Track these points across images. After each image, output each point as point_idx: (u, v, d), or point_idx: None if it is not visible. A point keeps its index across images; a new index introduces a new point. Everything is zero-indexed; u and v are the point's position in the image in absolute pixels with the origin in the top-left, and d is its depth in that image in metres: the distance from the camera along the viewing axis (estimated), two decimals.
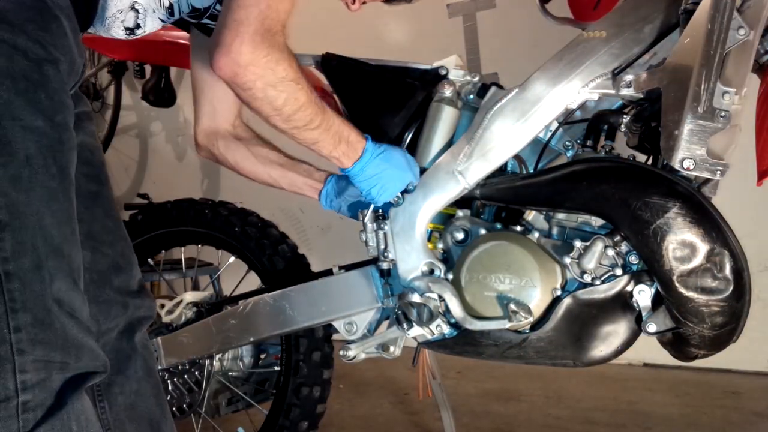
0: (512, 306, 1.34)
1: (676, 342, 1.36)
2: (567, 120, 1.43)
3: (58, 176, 0.98)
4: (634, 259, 1.32)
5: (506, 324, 1.36)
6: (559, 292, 1.36)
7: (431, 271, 1.46)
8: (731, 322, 1.24)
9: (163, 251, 1.99)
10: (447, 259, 1.48)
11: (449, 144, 1.48)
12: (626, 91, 1.32)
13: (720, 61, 1.17)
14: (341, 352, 1.53)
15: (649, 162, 1.42)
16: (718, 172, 1.20)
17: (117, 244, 1.27)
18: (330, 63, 1.60)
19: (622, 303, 1.34)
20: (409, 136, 1.54)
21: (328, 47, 1.64)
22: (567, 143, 1.48)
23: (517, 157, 1.48)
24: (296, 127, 1.26)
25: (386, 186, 1.41)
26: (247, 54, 1.11)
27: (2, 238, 0.93)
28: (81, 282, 1.03)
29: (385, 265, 1.48)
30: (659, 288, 1.28)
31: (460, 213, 1.48)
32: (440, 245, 1.49)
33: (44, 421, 0.94)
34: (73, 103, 1.10)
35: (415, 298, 1.40)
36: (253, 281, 1.83)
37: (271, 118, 1.23)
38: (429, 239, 1.49)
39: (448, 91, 1.48)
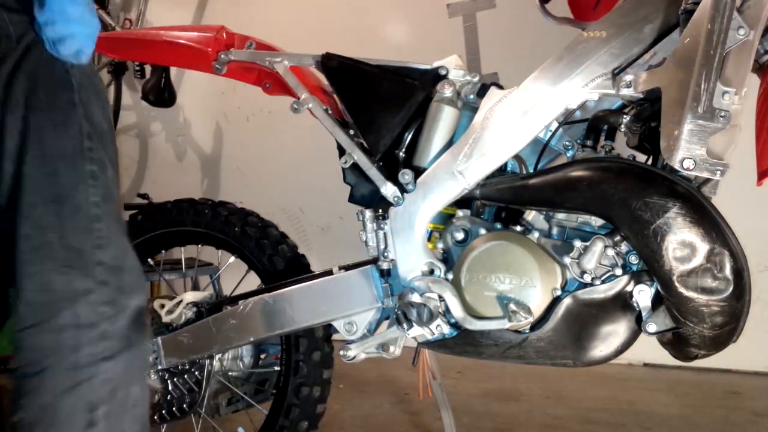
0: (512, 306, 1.34)
1: (676, 342, 1.36)
2: (567, 120, 1.44)
3: (113, 150, 1.17)
4: (634, 259, 1.32)
5: (506, 324, 1.36)
6: (559, 292, 1.36)
7: (431, 271, 1.46)
8: (731, 322, 1.24)
9: (163, 251, 1.98)
10: (447, 259, 1.48)
11: (449, 144, 1.48)
12: (626, 91, 1.32)
13: (720, 61, 1.17)
14: (341, 352, 1.53)
15: (649, 162, 1.42)
16: (718, 172, 1.20)
17: None
18: (330, 63, 1.60)
19: (622, 303, 1.34)
20: (409, 136, 1.54)
21: (329, 47, 1.64)
22: (567, 143, 1.48)
23: (517, 157, 1.48)
24: None
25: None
26: None
27: (95, 185, 1.11)
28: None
29: (385, 265, 1.48)
30: (659, 288, 1.28)
31: (460, 213, 1.48)
32: (440, 245, 1.49)
33: (120, 352, 1.10)
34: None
35: (415, 298, 1.40)
36: (253, 281, 1.83)
37: None
38: (429, 239, 1.49)
39: (448, 91, 1.49)
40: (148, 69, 3.54)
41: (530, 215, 1.44)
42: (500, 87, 1.46)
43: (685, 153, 1.19)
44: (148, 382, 1.21)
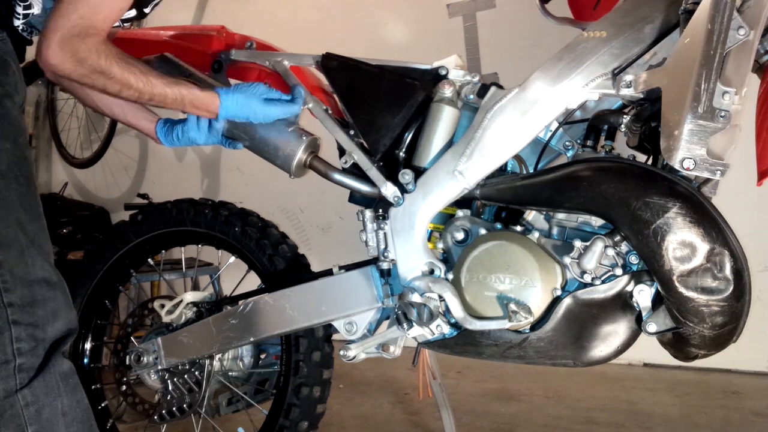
0: (512, 306, 1.34)
1: (676, 342, 1.36)
2: (567, 120, 1.44)
3: (25, 184, 1.25)
4: (634, 259, 1.32)
5: (506, 324, 1.36)
6: (559, 292, 1.36)
7: (431, 271, 1.46)
8: (731, 322, 1.24)
9: (163, 251, 1.98)
10: (447, 259, 1.48)
11: (449, 144, 1.48)
12: (626, 91, 1.32)
13: (720, 61, 1.17)
14: (341, 352, 1.53)
15: (649, 162, 1.42)
16: (718, 172, 1.20)
17: None
18: (330, 63, 1.60)
19: (622, 303, 1.34)
20: (409, 136, 1.54)
21: (329, 47, 1.64)
22: (567, 143, 1.48)
23: (517, 157, 1.48)
24: (133, 100, 1.42)
25: (257, 113, 1.50)
26: (54, 57, 1.28)
27: None
28: (52, 260, 1.29)
29: (385, 265, 1.48)
30: (659, 288, 1.28)
31: (460, 213, 1.48)
32: (440, 245, 1.49)
33: (35, 377, 1.22)
34: None
35: (416, 298, 1.40)
36: (253, 281, 1.83)
37: (106, 93, 1.39)
38: (429, 239, 1.49)
39: (448, 91, 1.49)
40: None
41: (530, 215, 1.44)
42: (500, 87, 1.45)
43: (686, 153, 1.19)
44: (76, 385, 1.29)
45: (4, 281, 1.20)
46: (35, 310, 1.22)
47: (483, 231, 1.44)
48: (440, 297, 1.41)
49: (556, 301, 1.36)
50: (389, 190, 1.48)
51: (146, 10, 1.53)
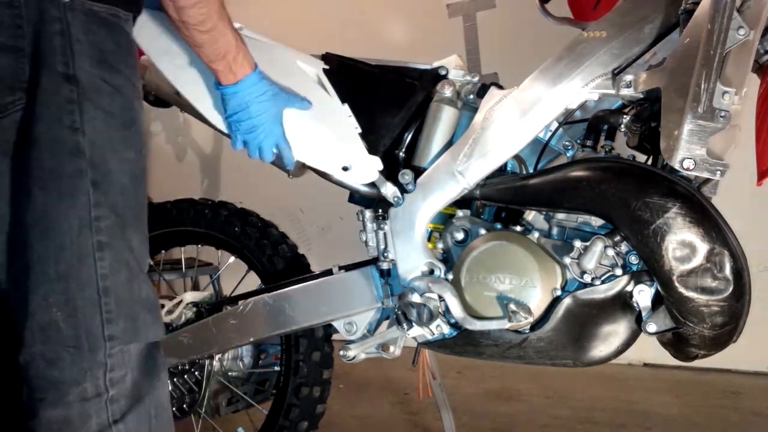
0: (512, 306, 1.34)
1: (676, 342, 1.36)
2: (567, 120, 1.44)
3: (141, 201, 1.14)
4: (634, 259, 1.32)
5: (506, 324, 1.36)
6: (559, 292, 1.36)
7: (431, 271, 1.46)
8: (731, 322, 1.24)
9: (163, 251, 1.98)
10: (447, 259, 1.48)
11: (449, 144, 1.48)
12: (626, 91, 1.32)
13: (720, 61, 1.17)
14: (341, 352, 1.53)
15: (649, 162, 1.42)
16: (718, 172, 1.20)
17: None
18: (330, 63, 1.60)
19: (622, 303, 1.34)
20: (409, 137, 1.54)
21: (329, 47, 1.64)
22: (567, 143, 1.48)
23: (517, 157, 1.48)
24: (184, 22, 1.20)
25: (256, 133, 1.37)
26: None
27: (103, 257, 1.07)
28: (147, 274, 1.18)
29: (385, 265, 1.48)
30: (659, 288, 1.28)
31: (460, 213, 1.48)
32: (440, 245, 1.49)
33: (129, 411, 1.10)
34: None
35: (415, 298, 1.40)
36: (253, 281, 1.83)
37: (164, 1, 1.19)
38: (429, 239, 1.49)
39: (448, 91, 1.49)
40: None
41: (530, 215, 1.44)
42: (500, 87, 1.46)
43: (685, 153, 1.19)
44: (169, 419, 1.22)
45: (108, 311, 1.08)
46: (137, 338, 1.12)
47: (483, 231, 1.44)
48: (440, 297, 1.41)
49: (556, 302, 1.36)
50: (389, 190, 1.48)
51: None
